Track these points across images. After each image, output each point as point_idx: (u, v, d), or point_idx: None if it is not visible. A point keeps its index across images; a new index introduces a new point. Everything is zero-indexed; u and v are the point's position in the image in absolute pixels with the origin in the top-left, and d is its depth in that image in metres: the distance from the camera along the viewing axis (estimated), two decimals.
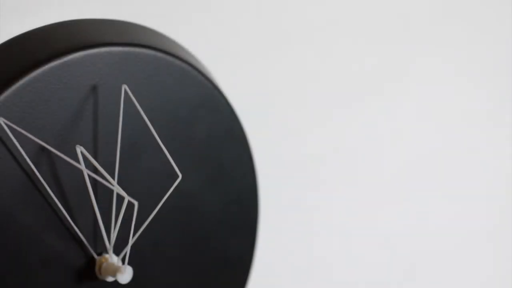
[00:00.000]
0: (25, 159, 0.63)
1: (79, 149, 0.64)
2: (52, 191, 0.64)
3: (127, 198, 0.63)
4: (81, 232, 0.66)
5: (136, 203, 0.64)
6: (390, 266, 1.23)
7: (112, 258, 0.67)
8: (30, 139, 0.63)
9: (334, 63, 1.16)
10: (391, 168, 1.20)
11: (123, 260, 0.67)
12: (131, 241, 0.66)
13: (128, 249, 0.67)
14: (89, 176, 0.65)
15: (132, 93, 0.67)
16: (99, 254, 0.68)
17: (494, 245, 1.27)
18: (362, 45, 1.16)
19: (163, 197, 0.67)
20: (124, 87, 0.67)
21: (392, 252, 1.22)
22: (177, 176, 0.66)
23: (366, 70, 1.17)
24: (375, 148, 1.19)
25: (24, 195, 0.63)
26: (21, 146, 0.63)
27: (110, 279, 0.67)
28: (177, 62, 0.69)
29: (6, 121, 0.62)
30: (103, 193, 0.67)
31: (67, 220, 0.66)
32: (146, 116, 0.67)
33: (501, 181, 1.26)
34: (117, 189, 0.64)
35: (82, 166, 0.64)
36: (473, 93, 1.23)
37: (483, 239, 1.26)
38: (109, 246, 0.67)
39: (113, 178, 0.66)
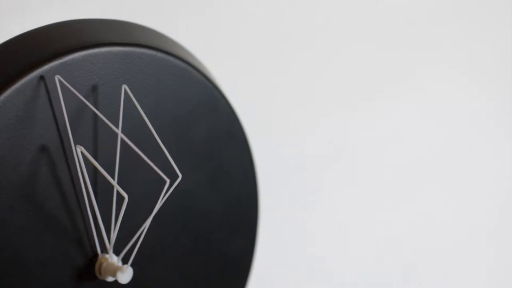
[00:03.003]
0: (30, 152, 0.63)
1: (79, 149, 0.64)
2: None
3: (126, 197, 0.63)
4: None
5: (168, 181, 0.64)
6: (390, 266, 1.23)
7: (112, 258, 0.67)
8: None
9: (334, 63, 1.16)
10: (392, 168, 1.21)
11: (123, 260, 0.67)
12: (139, 242, 0.67)
13: (134, 248, 0.67)
14: (89, 176, 0.65)
15: (132, 93, 0.67)
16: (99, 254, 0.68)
17: (494, 245, 1.27)
18: (362, 46, 1.16)
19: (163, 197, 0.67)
20: (124, 87, 0.67)
21: (392, 252, 1.22)
22: (177, 176, 0.66)
23: (366, 71, 1.17)
24: (376, 148, 1.19)
25: (24, 193, 0.63)
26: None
27: (110, 279, 0.67)
28: (177, 62, 0.69)
29: (61, 78, 0.63)
30: (103, 194, 0.67)
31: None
32: (146, 116, 0.67)
33: (502, 180, 1.26)
34: (117, 188, 0.64)
35: (82, 166, 0.64)
36: (473, 93, 1.23)
37: (483, 239, 1.26)
38: (109, 246, 0.67)
39: (113, 178, 0.67)
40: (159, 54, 0.68)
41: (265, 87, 1.13)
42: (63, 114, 0.64)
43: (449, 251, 1.25)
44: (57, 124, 0.64)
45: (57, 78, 0.63)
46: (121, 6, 1.02)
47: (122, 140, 0.67)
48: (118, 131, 0.66)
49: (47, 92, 0.63)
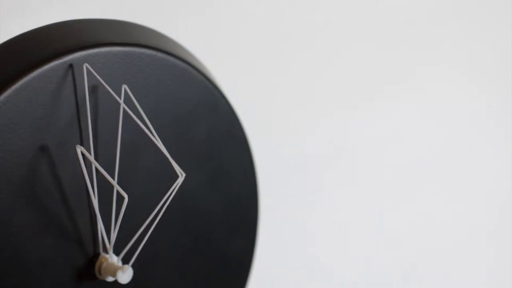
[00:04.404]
0: (25, 155, 0.63)
1: (79, 149, 0.64)
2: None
3: (126, 197, 0.63)
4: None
5: (184, 175, 0.64)
6: (390, 266, 1.23)
7: (112, 258, 0.67)
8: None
9: (334, 63, 1.16)
10: (392, 168, 1.21)
11: (123, 260, 0.67)
12: (142, 242, 0.67)
13: (134, 248, 0.67)
14: (89, 176, 0.65)
15: (132, 93, 0.67)
16: (99, 253, 0.68)
17: (494, 245, 1.27)
18: (362, 46, 1.16)
19: (163, 197, 0.67)
20: (124, 87, 0.67)
21: (392, 252, 1.22)
22: (177, 176, 0.66)
23: (366, 71, 1.17)
24: (376, 148, 1.19)
25: (23, 193, 0.63)
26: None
27: (110, 279, 0.67)
28: (177, 62, 0.69)
29: (88, 66, 0.63)
30: (103, 194, 0.67)
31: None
32: (146, 116, 0.67)
33: (502, 180, 1.26)
34: (117, 188, 0.64)
35: (82, 166, 0.64)
36: (473, 93, 1.23)
37: (483, 239, 1.26)
38: (109, 246, 0.67)
39: (113, 178, 0.66)
40: (159, 54, 0.68)
41: (265, 87, 1.13)
42: (62, 114, 0.64)
43: (449, 251, 1.25)
44: (57, 124, 0.64)
45: (85, 66, 0.64)
46: (121, 6, 1.02)
47: (122, 140, 0.67)
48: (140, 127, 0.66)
49: (47, 92, 0.63)
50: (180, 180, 0.66)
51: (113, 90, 0.66)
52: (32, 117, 0.63)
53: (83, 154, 0.64)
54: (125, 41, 0.67)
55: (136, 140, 0.68)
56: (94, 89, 0.65)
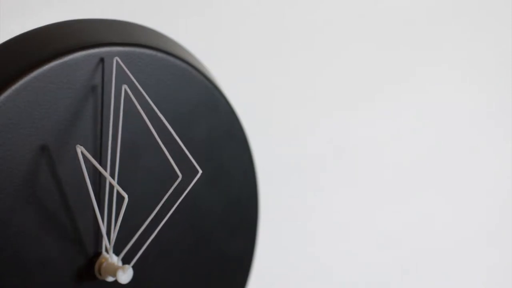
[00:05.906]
0: (27, 155, 0.63)
1: (79, 149, 0.64)
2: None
3: (126, 197, 0.63)
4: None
5: (200, 171, 0.64)
6: (390, 266, 1.23)
7: (112, 258, 0.67)
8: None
9: (334, 63, 1.16)
10: (392, 168, 1.21)
11: (123, 260, 0.67)
12: (146, 243, 0.67)
13: (134, 248, 0.67)
14: (89, 176, 0.65)
15: (132, 93, 0.67)
16: (99, 254, 0.68)
17: (494, 245, 1.27)
18: (362, 46, 1.16)
19: (163, 197, 0.67)
20: (124, 87, 0.67)
21: (392, 252, 1.22)
22: (178, 176, 0.66)
23: (366, 71, 1.17)
24: (375, 149, 1.19)
25: (24, 193, 0.63)
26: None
27: (110, 279, 0.67)
28: (178, 62, 0.69)
29: (119, 60, 0.64)
30: (103, 194, 0.67)
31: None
32: (146, 116, 0.67)
33: (502, 180, 1.26)
34: (117, 188, 0.64)
35: (82, 166, 0.64)
36: (473, 93, 1.23)
37: (483, 239, 1.26)
38: (109, 246, 0.67)
39: (113, 178, 0.67)
40: (159, 54, 0.68)
41: (265, 87, 1.13)
42: (63, 114, 0.64)
43: (449, 251, 1.25)
44: (57, 124, 0.64)
45: (115, 59, 0.64)
46: (121, 6, 1.02)
47: (122, 140, 0.67)
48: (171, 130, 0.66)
49: (47, 92, 0.63)
50: (198, 176, 0.66)
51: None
52: (32, 117, 0.63)
53: (83, 154, 0.64)
54: (125, 41, 0.67)
55: (136, 140, 0.68)
56: (94, 88, 0.65)
